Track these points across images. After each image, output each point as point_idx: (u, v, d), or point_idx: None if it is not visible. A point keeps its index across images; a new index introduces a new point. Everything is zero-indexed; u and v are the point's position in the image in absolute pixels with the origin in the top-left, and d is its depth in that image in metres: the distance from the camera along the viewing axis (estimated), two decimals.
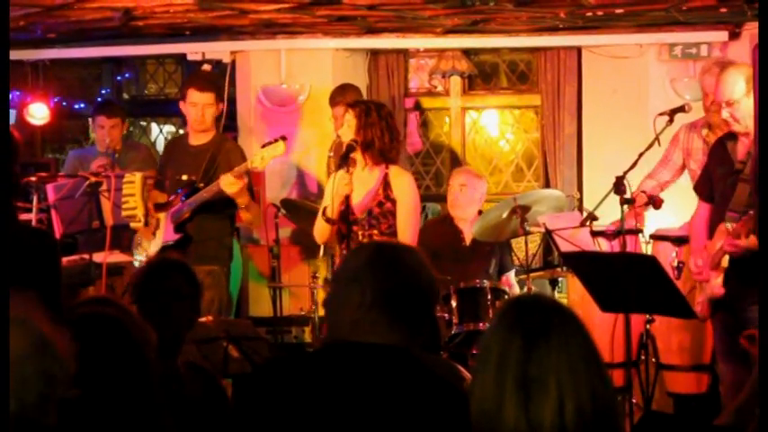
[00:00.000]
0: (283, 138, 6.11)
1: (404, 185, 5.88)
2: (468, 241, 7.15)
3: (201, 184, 6.31)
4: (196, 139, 6.61)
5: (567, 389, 2.18)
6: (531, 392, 2.18)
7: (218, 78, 6.35)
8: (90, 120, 8.10)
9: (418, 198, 6.03)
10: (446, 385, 2.71)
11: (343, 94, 7.49)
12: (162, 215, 6.51)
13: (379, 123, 5.84)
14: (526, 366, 2.20)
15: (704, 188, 5.65)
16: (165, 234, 6.46)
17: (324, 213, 5.82)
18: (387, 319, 2.75)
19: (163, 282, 4.01)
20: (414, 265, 2.84)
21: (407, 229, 5.85)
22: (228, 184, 6.11)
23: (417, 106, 9.32)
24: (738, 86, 5.22)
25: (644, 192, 6.34)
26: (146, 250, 6.51)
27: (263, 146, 6.13)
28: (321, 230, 5.93)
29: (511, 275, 7.23)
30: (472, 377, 2.33)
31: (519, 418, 2.17)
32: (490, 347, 2.26)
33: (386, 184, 5.85)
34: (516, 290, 7.00)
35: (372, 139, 5.79)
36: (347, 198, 5.71)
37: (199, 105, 6.50)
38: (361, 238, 5.78)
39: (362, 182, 5.85)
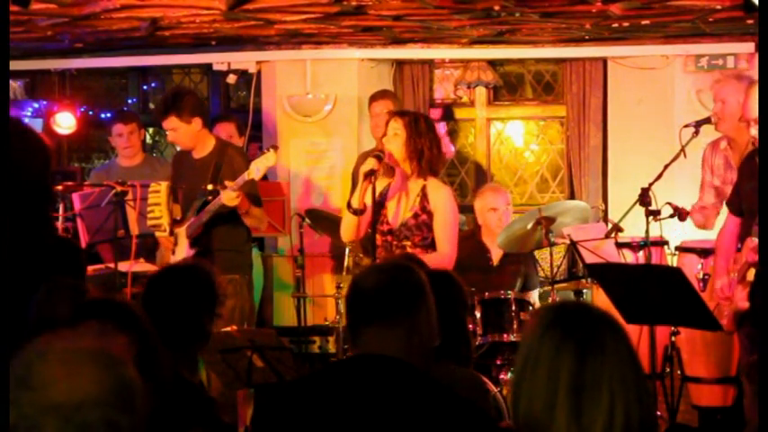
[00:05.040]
0: (274, 147, 6.28)
1: (442, 198, 5.80)
2: (495, 260, 7.11)
3: (210, 197, 6.34)
4: (198, 152, 6.62)
5: (618, 400, 2.15)
6: (582, 402, 2.15)
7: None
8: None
9: (457, 211, 5.95)
10: (457, 401, 2.72)
11: (383, 95, 7.70)
12: (179, 230, 6.53)
13: (428, 134, 5.79)
14: (580, 375, 2.16)
15: (734, 203, 5.65)
16: (184, 250, 6.47)
17: (349, 206, 5.73)
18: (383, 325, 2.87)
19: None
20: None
21: (446, 243, 5.77)
22: (230, 198, 6.15)
23: (442, 117, 9.31)
24: None
25: (669, 203, 6.32)
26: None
27: (257, 156, 6.27)
28: (348, 224, 5.82)
29: (534, 294, 7.17)
30: (517, 384, 2.26)
31: (570, 427, 2.14)
32: (539, 355, 2.20)
33: (423, 195, 5.78)
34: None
35: (422, 150, 5.73)
36: (381, 208, 5.67)
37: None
38: (394, 248, 5.71)
39: (401, 192, 5.80)
